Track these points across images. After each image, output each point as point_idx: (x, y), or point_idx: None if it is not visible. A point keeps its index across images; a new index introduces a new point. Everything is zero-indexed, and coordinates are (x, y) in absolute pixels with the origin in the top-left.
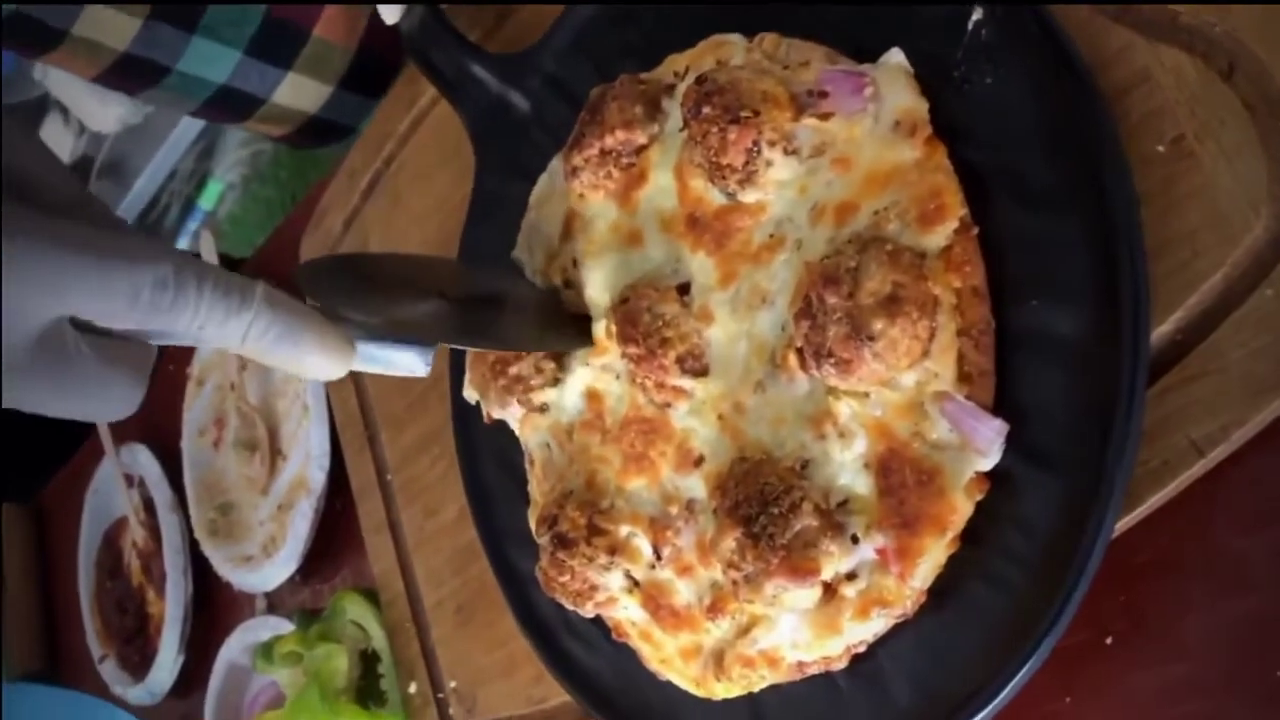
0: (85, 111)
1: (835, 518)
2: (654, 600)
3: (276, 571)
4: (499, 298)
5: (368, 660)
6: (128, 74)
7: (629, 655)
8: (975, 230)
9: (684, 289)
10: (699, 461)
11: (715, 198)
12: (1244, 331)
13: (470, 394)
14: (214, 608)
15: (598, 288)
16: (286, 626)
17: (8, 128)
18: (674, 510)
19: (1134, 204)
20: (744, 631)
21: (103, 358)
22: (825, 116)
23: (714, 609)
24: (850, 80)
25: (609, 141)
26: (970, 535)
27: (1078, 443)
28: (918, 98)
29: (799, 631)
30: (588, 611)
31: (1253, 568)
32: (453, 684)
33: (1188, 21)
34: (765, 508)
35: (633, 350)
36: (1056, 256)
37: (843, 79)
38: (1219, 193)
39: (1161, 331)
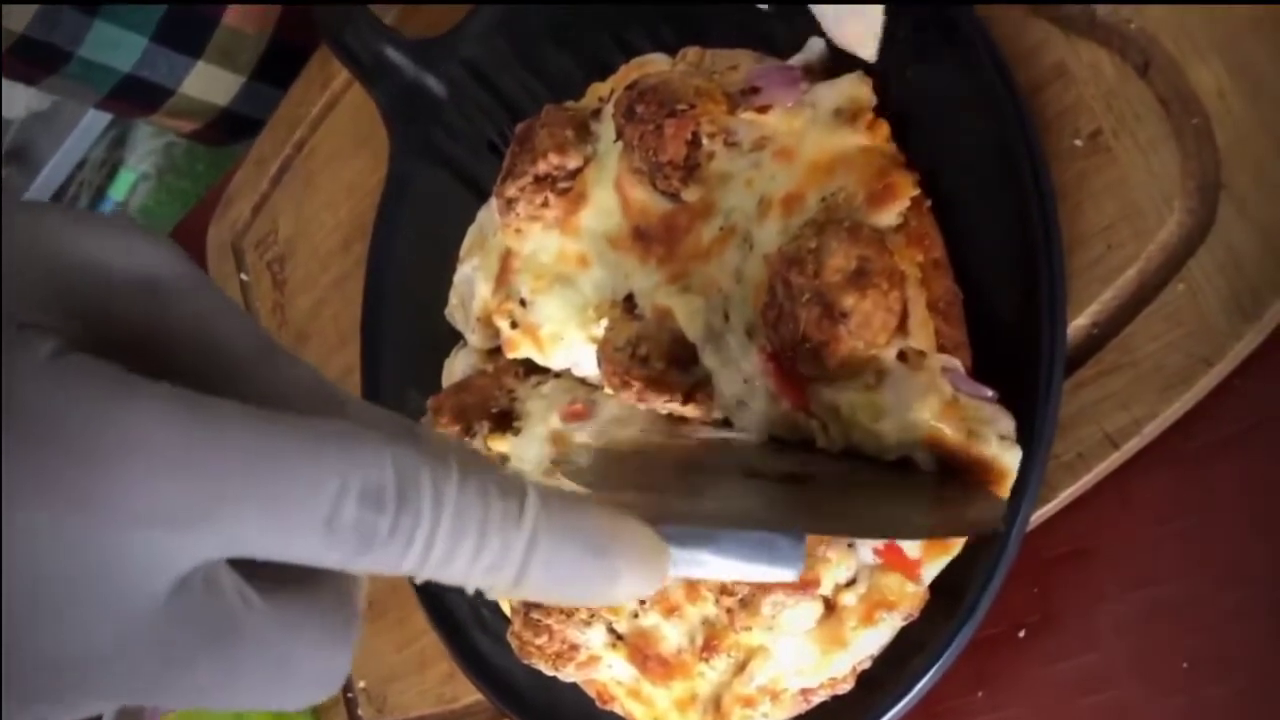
0: None
1: None
2: (640, 651)
3: None
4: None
5: None
6: (27, 59)
7: None
8: (929, 204)
9: (630, 305)
10: None
11: (658, 204)
12: (1156, 325)
13: None
14: None
15: (554, 323)
16: None
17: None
18: None
19: (1052, 199)
20: (740, 668)
21: (283, 614)
22: (763, 109)
23: (707, 648)
24: (781, 74)
25: (542, 166)
26: None
27: None
28: (858, 82)
29: (801, 655)
30: (568, 675)
31: (1162, 558)
32: (362, 683)
33: (1104, 18)
34: None
35: (629, 396)
36: (977, 248)
37: (774, 74)
38: (1134, 187)
39: (1077, 325)
